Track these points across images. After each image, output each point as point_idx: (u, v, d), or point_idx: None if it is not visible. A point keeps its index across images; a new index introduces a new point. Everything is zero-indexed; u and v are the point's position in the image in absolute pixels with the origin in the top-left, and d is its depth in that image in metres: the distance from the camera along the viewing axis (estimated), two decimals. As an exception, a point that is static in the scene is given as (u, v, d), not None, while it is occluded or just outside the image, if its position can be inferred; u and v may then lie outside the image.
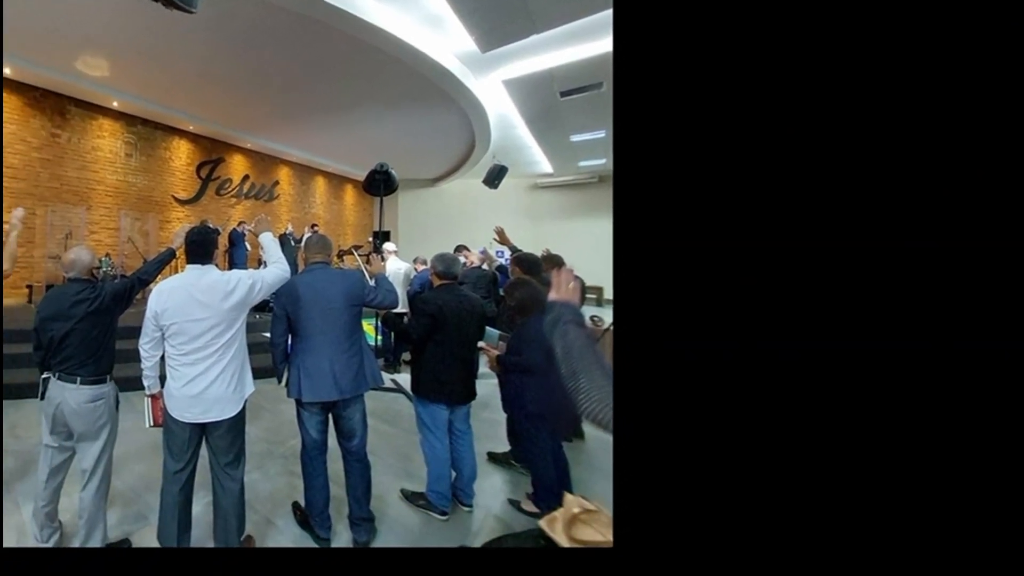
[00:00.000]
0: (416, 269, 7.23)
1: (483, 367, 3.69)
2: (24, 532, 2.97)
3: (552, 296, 1.44)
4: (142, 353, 2.69)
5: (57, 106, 10.27)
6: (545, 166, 16.36)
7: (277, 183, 16.16)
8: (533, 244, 5.87)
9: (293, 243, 10.87)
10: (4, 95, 9.40)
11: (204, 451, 2.73)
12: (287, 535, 3.10)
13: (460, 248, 7.32)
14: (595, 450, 4.40)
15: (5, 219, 8.37)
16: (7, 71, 9.10)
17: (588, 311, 3.29)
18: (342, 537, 3.06)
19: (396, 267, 7.02)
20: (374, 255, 3.79)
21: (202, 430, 2.67)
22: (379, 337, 7.20)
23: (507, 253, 5.22)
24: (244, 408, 2.73)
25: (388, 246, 7.49)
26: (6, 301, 8.73)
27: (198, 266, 2.66)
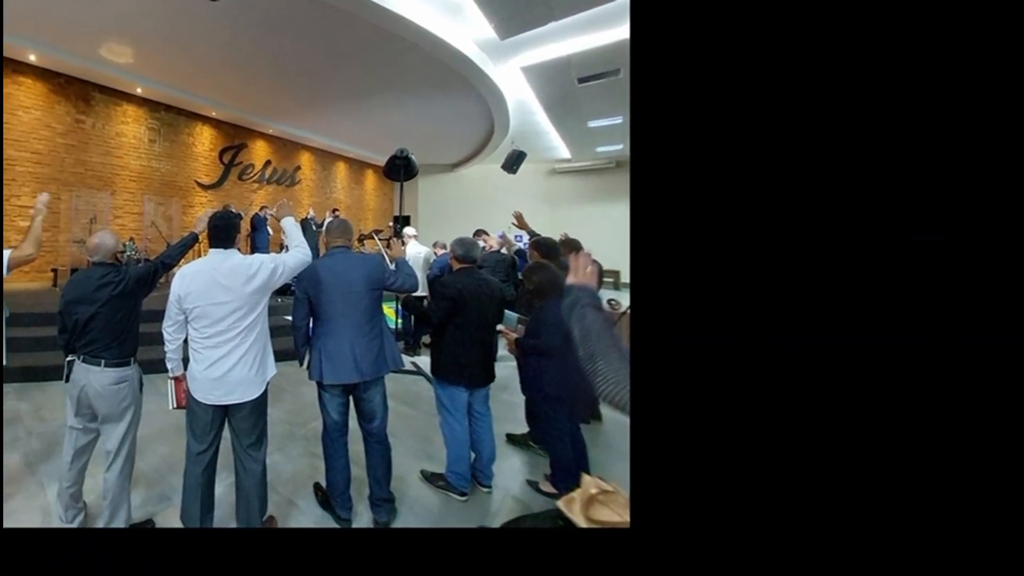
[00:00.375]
0: (436, 253, 7.24)
1: (502, 350, 3.71)
2: (49, 513, 3.01)
3: (570, 280, 1.45)
4: (165, 336, 2.72)
5: (82, 92, 10.40)
6: (563, 151, 16.36)
7: (299, 168, 16.27)
8: (551, 228, 5.84)
9: (314, 228, 10.89)
10: (30, 82, 9.55)
11: (227, 433, 2.75)
12: (308, 516, 3.13)
13: (479, 232, 7.30)
14: (612, 432, 4.40)
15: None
16: (32, 57, 9.23)
17: (605, 295, 3.29)
18: (363, 518, 3.09)
19: (416, 251, 7.05)
20: (394, 239, 3.80)
21: (225, 412, 2.69)
22: (399, 320, 7.24)
23: (525, 237, 5.22)
24: (266, 390, 2.75)
25: (408, 230, 7.52)
26: (31, 285, 8.92)
27: (220, 250, 2.69)
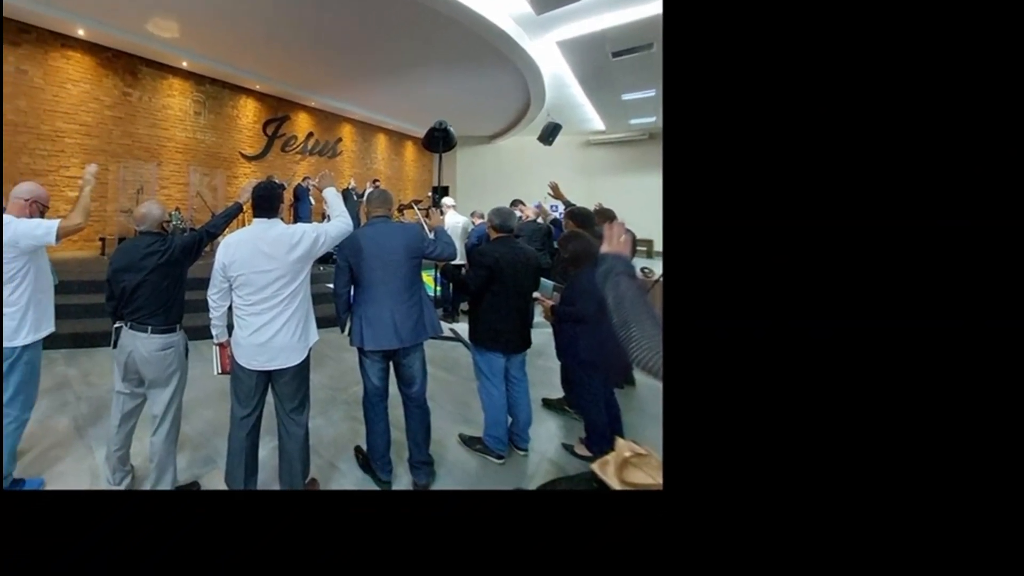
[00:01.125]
0: (474, 223, 7.27)
1: (538, 317, 3.72)
2: (97, 475, 3.11)
3: (604, 248, 1.46)
4: (210, 303, 2.78)
5: (129, 66, 10.56)
6: (597, 123, 16.47)
7: (340, 140, 16.39)
8: (586, 199, 5.81)
9: (355, 198, 10.97)
10: (78, 55, 9.74)
11: (270, 398, 2.81)
12: (350, 478, 3.20)
13: (516, 202, 7.31)
14: (645, 396, 4.44)
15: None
16: (80, 32, 9.39)
17: (639, 263, 3.28)
18: (402, 480, 3.15)
19: (454, 221, 7.09)
20: (433, 209, 3.82)
21: (268, 377, 2.74)
22: (438, 288, 7.31)
23: (561, 207, 5.21)
24: (308, 356, 2.80)
25: (447, 201, 7.56)
26: (80, 253, 9.19)
27: (264, 220, 2.71)
